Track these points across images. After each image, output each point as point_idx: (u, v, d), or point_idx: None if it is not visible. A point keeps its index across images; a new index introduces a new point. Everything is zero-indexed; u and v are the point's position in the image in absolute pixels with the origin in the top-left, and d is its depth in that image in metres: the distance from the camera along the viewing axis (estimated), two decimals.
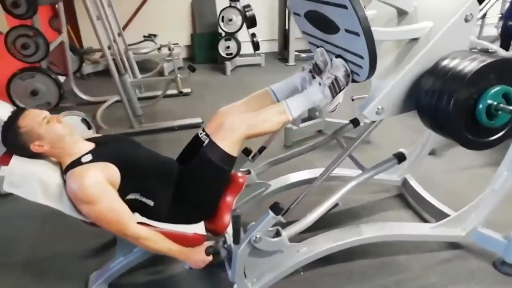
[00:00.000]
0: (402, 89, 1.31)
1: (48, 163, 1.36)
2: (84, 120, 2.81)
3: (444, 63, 1.22)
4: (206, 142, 1.46)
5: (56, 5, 3.41)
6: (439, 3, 1.35)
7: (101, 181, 1.29)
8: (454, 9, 1.26)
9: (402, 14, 1.47)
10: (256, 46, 4.75)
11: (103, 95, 3.79)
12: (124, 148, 1.47)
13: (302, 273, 1.68)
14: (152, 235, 1.37)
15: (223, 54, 4.73)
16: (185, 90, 3.95)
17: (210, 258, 1.44)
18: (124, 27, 5.19)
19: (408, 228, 1.70)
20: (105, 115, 3.49)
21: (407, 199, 2.17)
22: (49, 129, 1.31)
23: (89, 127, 2.85)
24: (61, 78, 3.97)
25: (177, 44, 4.81)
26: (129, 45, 4.73)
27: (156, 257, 1.64)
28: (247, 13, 4.55)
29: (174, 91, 3.38)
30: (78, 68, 3.88)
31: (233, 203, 1.61)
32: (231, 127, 1.43)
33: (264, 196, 1.98)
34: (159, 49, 4.68)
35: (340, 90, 1.44)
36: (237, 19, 4.64)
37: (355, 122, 1.89)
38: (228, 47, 4.71)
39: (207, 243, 1.50)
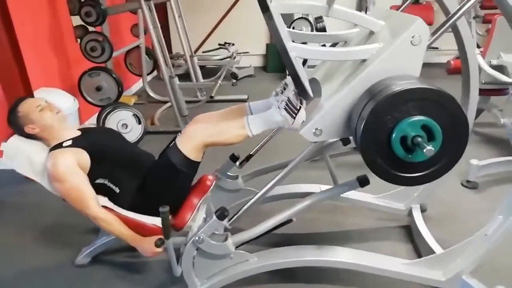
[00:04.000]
0: (340, 111, 1.23)
1: (40, 144, 1.63)
2: (134, 115, 3.19)
3: (375, 87, 1.13)
4: (172, 143, 1.58)
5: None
6: (393, 23, 1.24)
7: (71, 164, 1.50)
8: (400, 30, 1.15)
9: (371, 33, 1.39)
10: None
11: None
12: (103, 139, 1.67)
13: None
14: (109, 218, 1.53)
15: None
16: (242, 97, 4.13)
17: (160, 250, 1.54)
18: (207, 37, 5.65)
19: (377, 260, 1.55)
20: (163, 113, 3.88)
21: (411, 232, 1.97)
22: (41, 116, 1.58)
23: (139, 122, 3.22)
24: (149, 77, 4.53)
25: (247, 52, 5.06)
26: (204, 52, 5.15)
27: None
28: (318, 25, 4.55)
29: (229, 97, 3.60)
30: (152, 70, 4.36)
31: (198, 203, 1.69)
32: (192, 133, 1.53)
33: (252, 203, 2.00)
34: (230, 57, 4.95)
35: (298, 110, 1.42)
36: (307, 30, 4.66)
37: (344, 139, 1.79)
38: None
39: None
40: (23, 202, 2.40)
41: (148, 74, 4.25)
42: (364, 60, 1.23)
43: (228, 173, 1.98)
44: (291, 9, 1.46)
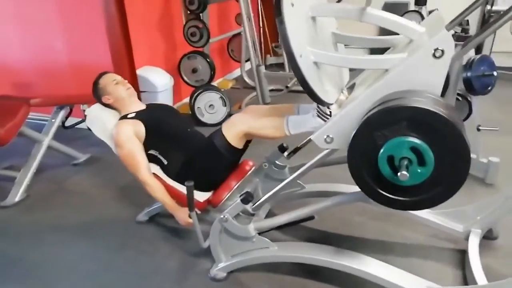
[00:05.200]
0: (352, 120, 1.15)
1: (115, 113, 1.92)
2: (221, 98, 3.43)
3: (383, 99, 1.05)
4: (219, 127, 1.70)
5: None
6: (429, 32, 1.12)
7: (129, 134, 1.74)
8: (423, 41, 1.05)
9: (410, 41, 1.27)
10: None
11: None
12: (161, 115, 1.88)
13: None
14: (155, 185, 1.74)
15: None
16: None
17: (191, 220, 1.69)
18: None
19: (399, 276, 1.43)
20: (252, 99, 4.05)
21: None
22: (115, 89, 1.86)
23: (224, 104, 3.45)
24: (247, 65, 4.78)
25: None
26: None
27: None
28: None
29: None
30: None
31: (235, 185, 1.79)
32: (235, 122, 1.64)
33: (296, 195, 2.02)
34: None
35: (329, 115, 1.42)
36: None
37: None
38: None
39: None
40: (112, 161, 2.80)
41: (247, 61, 4.47)
42: (387, 70, 1.14)
43: (277, 162, 2.02)
44: (322, 12, 1.41)
